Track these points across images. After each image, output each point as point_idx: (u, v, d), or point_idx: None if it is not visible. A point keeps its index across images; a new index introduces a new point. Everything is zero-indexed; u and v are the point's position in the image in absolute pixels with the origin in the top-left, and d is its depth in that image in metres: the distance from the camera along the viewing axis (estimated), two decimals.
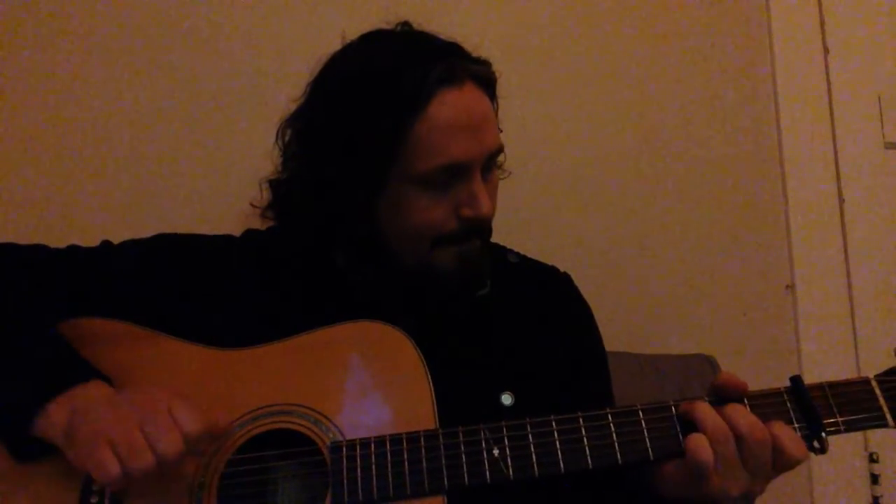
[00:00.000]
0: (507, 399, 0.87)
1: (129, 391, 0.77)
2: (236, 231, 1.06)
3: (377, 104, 0.87)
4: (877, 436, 1.48)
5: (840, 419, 0.77)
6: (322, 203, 0.93)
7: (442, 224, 0.89)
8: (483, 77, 0.92)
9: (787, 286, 1.54)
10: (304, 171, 0.96)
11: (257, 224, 1.08)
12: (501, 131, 1.04)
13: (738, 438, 0.75)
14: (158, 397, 0.73)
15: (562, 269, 1.10)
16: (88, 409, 0.73)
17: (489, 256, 0.96)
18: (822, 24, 1.64)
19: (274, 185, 1.02)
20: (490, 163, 0.92)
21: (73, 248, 0.95)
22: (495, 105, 0.97)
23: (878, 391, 0.78)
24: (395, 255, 0.93)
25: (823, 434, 0.76)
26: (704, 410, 0.76)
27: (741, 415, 0.75)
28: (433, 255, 0.90)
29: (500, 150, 0.93)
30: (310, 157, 0.95)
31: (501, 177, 1.09)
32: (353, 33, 0.97)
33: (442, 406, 0.79)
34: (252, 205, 1.06)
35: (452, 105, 0.87)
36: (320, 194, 0.93)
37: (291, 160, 0.98)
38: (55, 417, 0.73)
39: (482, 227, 0.91)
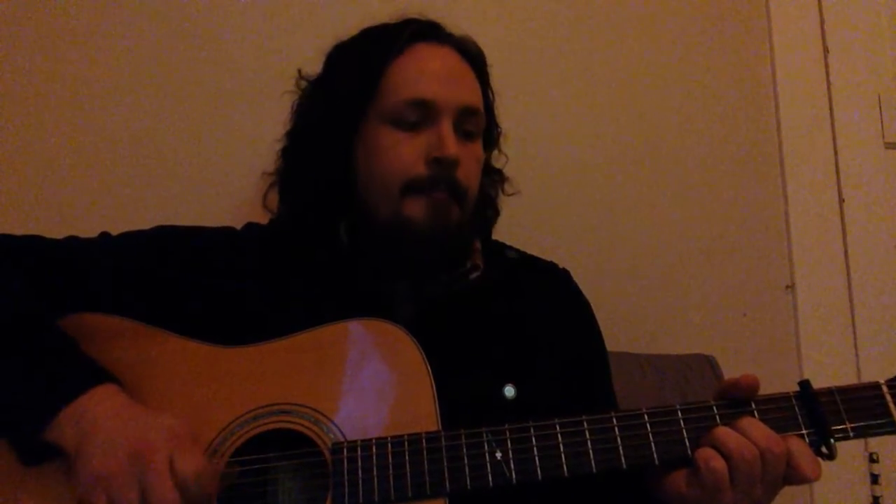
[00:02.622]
0: (509, 391, 0.87)
1: (135, 415, 0.75)
2: (237, 226, 1.05)
3: (357, 55, 0.98)
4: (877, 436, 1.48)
5: (849, 425, 0.76)
6: (308, 150, 1.00)
7: (410, 166, 0.91)
8: (466, 48, 0.99)
9: (787, 286, 1.54)
10: (296, 121, 1.05)
11: (258, 219, 1.08)
12: (500, 128, 1.10)
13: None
14: (160, 443, 0.71)
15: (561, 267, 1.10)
16: (93, 431, 0.72)
17: (462, 217, 0.95)
18: (822, 24, 1.64)
19: (282, 153, 1.06)
20: (467, 120, 0.95)
21: (71, 240, 0.94)
22: (490, 94, 1.04)
23: (888, 397, 0.76)
24: (371, 209, 0.94)
25: (832, 440, 0.75)
26: (724, 433, 0.75)
27: (757, 428, 0.74)
28: (404, 206, 0.91)
29: (477, 109, 0.96)
30: (302, 108, 1.05)
31: (509, 192, 1.10)
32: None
33: (444, 400, 0.79)
34: (265, 172, 1.09)
35: (426, 53, 0.96)
36: (306, 140, 1.01)
37: (295, 117, 1.06)
38: (66, 428, 0.73)
39: (451, 176, 0.91)
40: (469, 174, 0.95)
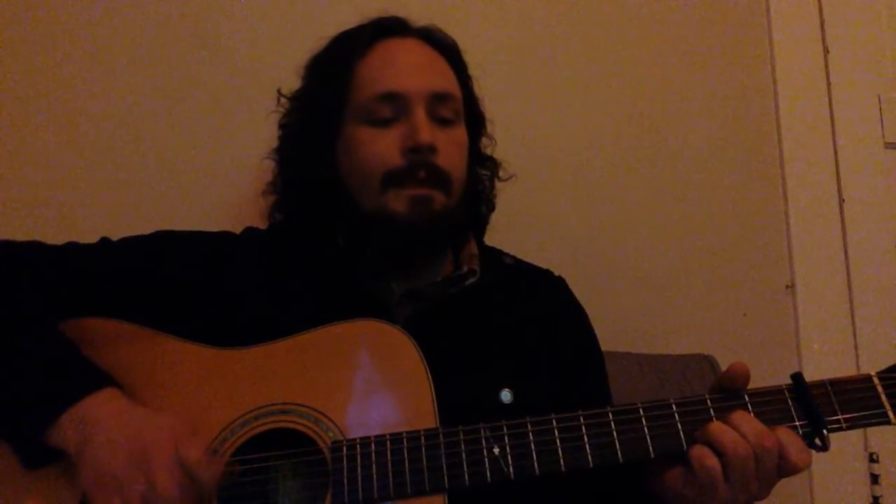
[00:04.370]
0: (506, 396, 0.87)
1: (137, 415, 0.76)
2: (235, 230, 1.06)
3: (327, 62, 1.01)
4: (877, 436, 1.48)
5: (842, 416, 0.76)
6: (295, 161, 1.02)
7: (387, 159, 0.92)
8: (432, 36, 1.01)
9: (787, 286, 1.54)
10: (283, 131, 1.07)
11: (257, 223, 1.08)
12: (484, 113, 1.10)
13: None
14: (163, 440, 0.72)
15: (561, 269, 1.10)
16: (96, 433, 0.73)
17: (449, 202, 0.95)
18: (822, 24, 1.64)
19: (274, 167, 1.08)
20: (441, 106, 0.95)
21: (71, 246, 0.94)
22: (469, 81, 1.05)
23: (879, 388, 0.77)
24: (357, 207, 0.94)
25: (825, 432, 0.75)
26: (717, 429, 0.75)
27: (749, 423, 0.74)
28: (386, 201, 0.92)
29: (449, 94, 0.97)
30: (285, 122, 1.07)
31: (503, 178, 1.10)
32: None
33: (441, 404, 0.79)
34: (265, 192, 1.09)
35: (393, 47, 0.97)
36: (292, 152, 1.03)
37: (280, 131, 1.08)
38: (68, 431, 0.74)
39: (429, 162, 0.91)
40: (451, 159, 0.95)
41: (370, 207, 0.93)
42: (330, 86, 0.97)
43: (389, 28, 0.99)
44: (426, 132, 0.91)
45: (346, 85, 0.95)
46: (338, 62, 0.98)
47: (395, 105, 0.93)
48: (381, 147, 0.92)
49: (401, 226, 0.91)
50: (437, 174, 0.92)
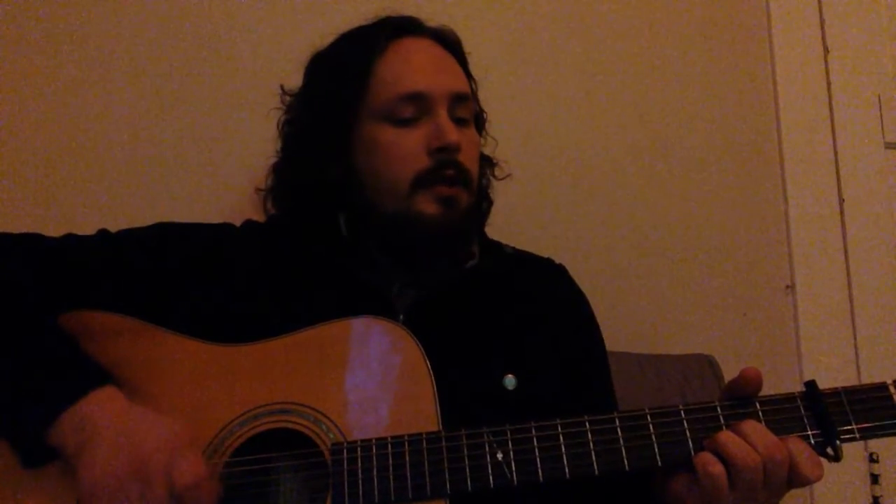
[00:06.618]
0: (510, 382, 0.87)
1: (135, 418, 0.75)
2: (235, 223, 1.05)
3: (344, 55, 0.99)
4: None
5: (856, 426, 0.74)
6: (303, 157, 0.99)
7: (414, 159, 0.92)
8: (445, 37, 1.02)
9: (787, 286, 1.54)
10: (291, 128, 1.04)
11: (257, 216, 1.08)
12: (486, 113, 1.10)
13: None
14: (158, 451, 0.71)
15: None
16: (94, 438, 0.72)
17: (470, 201, 0.96)
18: (822, 24, 1.64)
19: (275, 168, 1.06)
20: (459, 107, 0.96)
21: (69, 237, 0.94)
22: (473, 81, 1.05)
23: (895, 397, 0.74)
24: (377, 206, 0.94)
25: (838, 442, 0.73)
26: (726, 439, 0.73)
27: (759, 433, 0.73)
28: (415, 202, 0.92)
29: (467, 95, 0.98)
30: (296, 115, 1.04)
31: (500, 176, 1.10)
32: None
33: (444, 391, 0.78)
34: (258, 189, 1.09)
35: (411, 46, 0.97)
36: (300, 149, 1.01)
37: (285, 128, 1.06)
38: (67, 432, 0.73)
39: (456, 161, 0.92)
40: (471, 158, 0.97)
41: (395, 209, 0.93)
42: (346, 83, 0.96)
43: (404, 27, 0.99)
44: (453, 133, 0.92)
45: (364, 83, 0.95)
46: (355, 60, 0.96)
47: (418, 105, 0.93)
48: (407, 148, 0.92)
49: (429, 226, 0.92)
50: (462, 173, 0.93)
